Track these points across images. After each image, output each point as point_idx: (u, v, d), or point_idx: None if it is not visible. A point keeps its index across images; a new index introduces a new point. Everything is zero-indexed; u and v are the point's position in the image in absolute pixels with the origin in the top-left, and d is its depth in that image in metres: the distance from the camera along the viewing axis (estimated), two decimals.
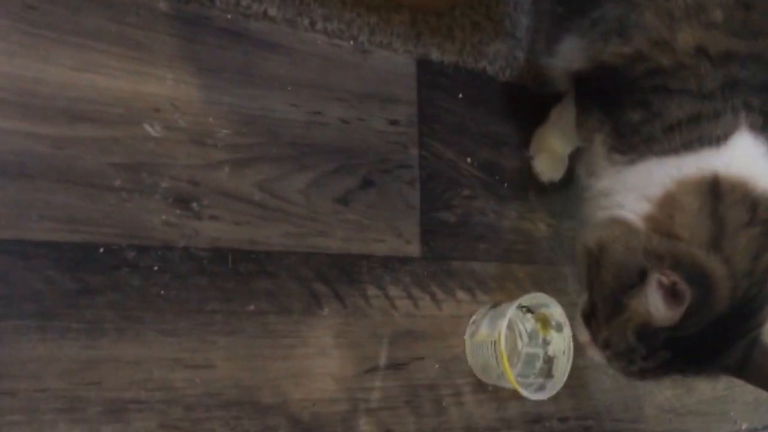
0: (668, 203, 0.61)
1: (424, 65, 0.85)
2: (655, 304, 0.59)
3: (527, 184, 0.92)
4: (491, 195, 0.89)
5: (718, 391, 1.09)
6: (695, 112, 0.63)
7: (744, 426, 1.13)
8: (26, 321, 0.59)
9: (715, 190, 0.60)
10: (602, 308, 0.64)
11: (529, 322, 0.87)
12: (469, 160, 0.87)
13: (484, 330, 0.80)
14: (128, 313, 0.64)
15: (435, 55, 0.86)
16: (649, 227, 0.62)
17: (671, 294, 0.57)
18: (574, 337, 0.78)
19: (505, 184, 0.90)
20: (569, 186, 0.93)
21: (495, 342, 0.76)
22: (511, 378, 0.75)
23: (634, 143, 0.67)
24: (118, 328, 0.63)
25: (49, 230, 0.61)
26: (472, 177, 0.87)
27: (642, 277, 0.60)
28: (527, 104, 0.93)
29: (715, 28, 0.64)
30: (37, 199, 0.61)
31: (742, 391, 1.12)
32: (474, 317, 0.84)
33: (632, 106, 0.68)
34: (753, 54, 0.63)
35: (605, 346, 0.65)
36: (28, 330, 0.59)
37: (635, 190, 0.65)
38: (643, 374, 0.64)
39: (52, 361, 0.60)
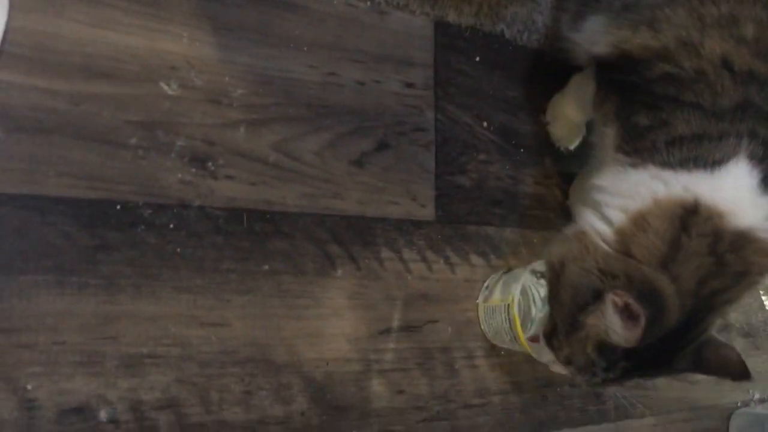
0: (639, 222, 0.62)
1: (441, 27, 0.84)
2: (614, 327, 0.60)
3: (543, 149, 0.91)
4: (507, 160, 0.88)
5: None
6: (701, 131, 0.63)
7: (757, 396, 1.13)
8: (44, 276, 0.60)
9: (686, 219, 0.60)
10: (561, 326, 0.66)
11: (542, 288, 0.86)
12: (485, 124, 0.87)
13: (497, 294, 0.80)
14: (145, 270, 0.64)
15: (452, 17, 0.85)
16: (615, 241, 0.63)
17: (627, 316, 0.59)
18: None
19: (521, 150, 0.90)
20: (586, 153, 0.92)
21: (508, 306, 0.76)
22: (523, 341, 0.76)
23: (638, 148, 0.67)
24: (134, 285, 0.64)
25: (66, 186, 0.61)
26: (488, 141, 0.87)
27: (597, 296, 0.62)
28: (545, 70, 0.92)
29: (745, 44, 0.62)
30: (53, 155, 0.61)
31: (755, 361, 1.12)
32: (487, 282, 0.84)
33: (643, 110, 0.67)
34: None
35: (567, 362, 0.67)
36: (46, 284, 0.60)
37: (622, 199, 0.65)
38: (606, 383, 0.67)
39: (70, 315, 0.61)
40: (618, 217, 0.64)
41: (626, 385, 0.69)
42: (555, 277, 0.66)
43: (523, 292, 0.85)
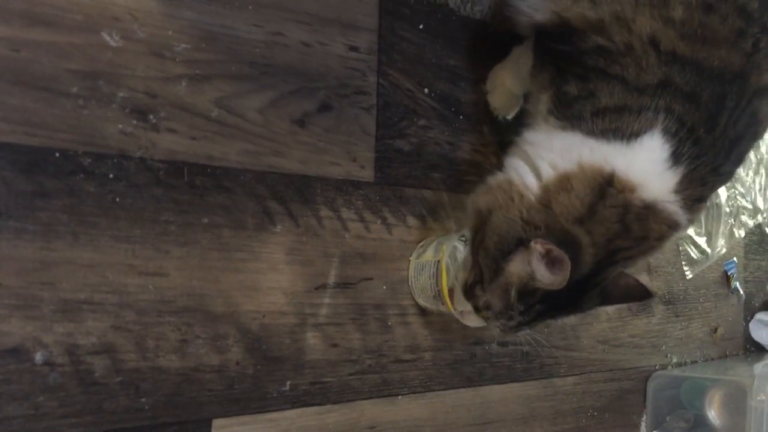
0: (563, 181, 0.67)
1: None
2: (540, 272, 0.65)
3: (482, 118, 0.94)
4: (446, 126, 0.91)
5: (652, 326, 1.15)
6: (622, 104, 0.67)
7: (674, 360, 1.20)
8: None
9: (604, 189, 0.66)
10: (486, 273, 0.70)
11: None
12: (426, 90, 0.89)
13: (429, 252, 0.83)
14: (83, 218, 0.65)
15: None
16: (539, 195, 0.68)
17: (551, 262, 0.64)
18: None
19: (461, 117, 0.92)
20: (522, 123, 0.96)
21: (438, 261, 0.79)
22: (446, 295, 0.79)
23: (567, 115, 0.71)
24: (73, 232, 0.65)
25: (4, 132, 0.62)
26: (428, 108, 0.90)
27: (520, 244, 0.66)
28: (487, 40, 0.95)
29: (672, 25, 0.66)
30: None
31: (674, 327, 1.19)
32: (423, 242, 0.87)
33: (574, 80, 0.71)
34: (695, 61, 0.66)
35: (486, 307, 0.71)
36: None
37: (553, 154, 0.69)
38: (519, 327, 0.72)
39: (7, 259, 0.61)
40: (547, 172, 0.69)
41: (536, 328, 0.73)
42: (481, 224, 0.70)
43: (454, 257, 0.88)
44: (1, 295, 0.61)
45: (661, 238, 0.69)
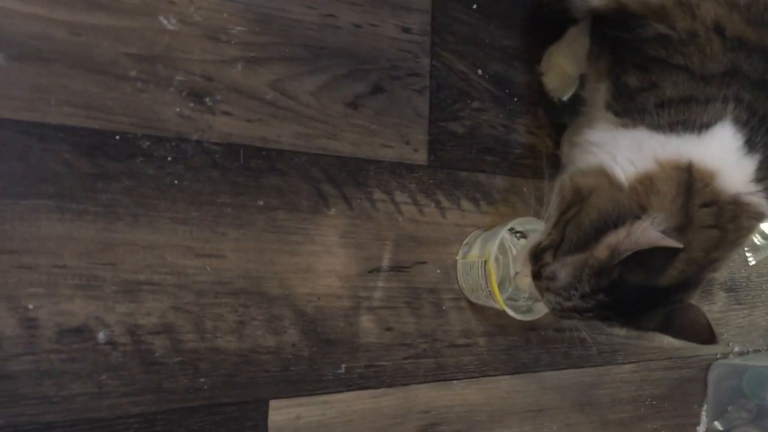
0: (647, 182, 0.63)
1: None
2: (646, 234, 0.60)
3: (537, 99, 0.93)
4: (500, 108, 0.90)
5: (713, 314, 1.11)
6: (688, 95, 0.64)
7: (736, 348, 1.16)
8: (45, 201, 0.62)
9: (689, 184, 0.62)
10: (567, 245, 0.66)
11: (520, 245, 0.88)
12: (480, 72, 0.88)
13: (475, 251, 0.82)
14: (143, 200, 0.66)
15: None
16: (629, 192, 0.64)
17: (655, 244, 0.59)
18: None
19: (515, 99, 0.91)
20: (577, 106, 0.93)
21: (485, 262, 0.78)
22: (498, 297, 0.77)
23: (628, 109, 0.68)
24: (133, 214, 0.66)
25: (66, 115, 0.63)
26: (482, 89, 0.88)
27: (620, 223, 0.62)
28: (542, 20, 0.93)
29: (737, 11, 0.63)
30: (54, 83, 0.62)
31: (736, 315, 1.15)
32: (467, 239, 0.86)
33: (633, 69, 0.68)
34: (763, 47, 0.63)
35: (550, 278, 0.67)
36: (47, 209, 0.62)
37: (626, 151, 0.66)
38: (572, 312, 0.68)
39: (70, 240, 0.63)
40: (628, 168, 0.65)
41: (586, 324, 0.70)
42: (579, 201, 0.67)
43: (502, 251, 0.87)
44: (66, 275, 0.62)
45: (749, 234, 0.66)
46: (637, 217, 0.61)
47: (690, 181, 0.62)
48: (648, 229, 0.60)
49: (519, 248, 0.81)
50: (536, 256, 0.69)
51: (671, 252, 0.59)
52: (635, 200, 0.63)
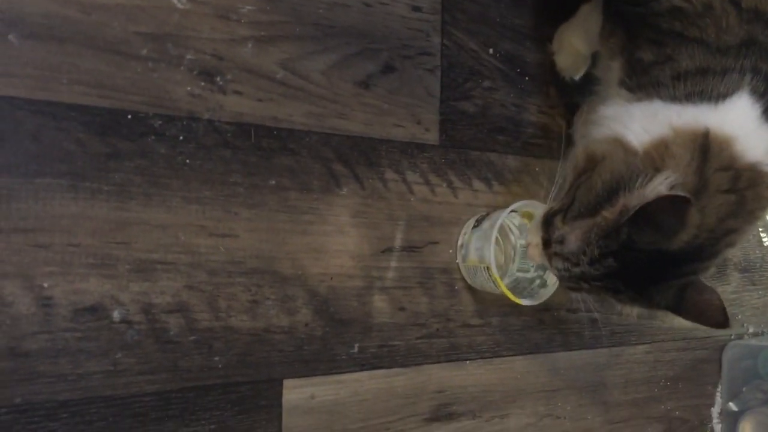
0: (662, 147, 0.62)
1: None
2: (658, 182, 0.59)
3: (548, 78, 0.92)
4: (512, 88, 0.89)
5: (727, 294, 1.11)
6: (704, 66, 0.63)
7: (751, 329, 1.15)
8: (59, 179, 0.62)
9: (705, 148, 0.61)
10: (577, 207, 0.65)
11: (515, 218, 0.87)
12: (491, 51, 0.87)
13: (473, 255, 0.81)
14: (155, 179, 0.66)
15: None
16: (643, 157, 0.63)
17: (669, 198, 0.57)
18: None
19: (526, 78, 0.90)
20: (590, 85, 0.93)
21: (488, 268, 0.77)
22: (512, 298, 0.77)
23: (642, 83, 0.67)
24: (145, 193, 0.66)
25: (78, 93, 0.63)
26: (493, 68, 0.88)
27: (633, 186, 0.61)
28: None
29: None
30: (66, 62, 0.62)
31: (751, 295, 1.14)
32: (460, 240, 0.84)
33: (647, 44, 0.68)
34: None
35: (559, 241, 0.67)
36: (60, 188, 0.62)
37: (640, 121, 0.65)
38: (580, 280, 0.66)
39: (84, 218, 0.63)
40: (642, 137, 0.64)
41: (596, 297, 0.69)
42: (591, 166, 0.66)
43: (502, 231, 0.86)
44: (80, 254, 0.63)
45: (766, 207, 0.64)
46: (651, 179, 0.60)
47: (706, 145, 0.61)
48: (659, 185, 0.58)
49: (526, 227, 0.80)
50: (547, 221, 0.68)
51: (681, 209, 0.57)
52: (649, 164, 0.62)
